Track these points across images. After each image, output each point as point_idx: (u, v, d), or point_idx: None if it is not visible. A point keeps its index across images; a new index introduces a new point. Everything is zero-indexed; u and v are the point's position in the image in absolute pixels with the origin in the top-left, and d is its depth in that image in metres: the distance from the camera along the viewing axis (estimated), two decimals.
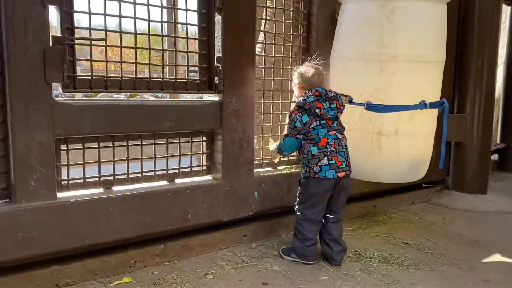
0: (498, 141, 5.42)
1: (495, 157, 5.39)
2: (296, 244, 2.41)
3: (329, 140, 2.29)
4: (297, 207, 2.43)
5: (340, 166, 2.30)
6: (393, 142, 2.67)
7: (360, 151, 2.72)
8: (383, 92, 2.61)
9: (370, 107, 2.63)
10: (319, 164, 2.29)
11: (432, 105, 2.68)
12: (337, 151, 2.31)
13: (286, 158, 2.96)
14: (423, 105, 2.62)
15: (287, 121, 2.46)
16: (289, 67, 2.94)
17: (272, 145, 2.54)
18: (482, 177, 3.90)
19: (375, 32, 2.59)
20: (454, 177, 3.98)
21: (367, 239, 2.86)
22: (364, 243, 2.77)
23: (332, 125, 2.33)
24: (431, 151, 2.91)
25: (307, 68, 2.40)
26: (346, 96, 2.65)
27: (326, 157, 2.28)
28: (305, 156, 2.33)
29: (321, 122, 2.30)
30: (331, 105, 2.30)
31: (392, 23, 2.55)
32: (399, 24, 2.54)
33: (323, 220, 2.41)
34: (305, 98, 2.31)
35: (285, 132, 2.46)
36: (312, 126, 2.29)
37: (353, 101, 2.66)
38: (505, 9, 5.27)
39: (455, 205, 3.68)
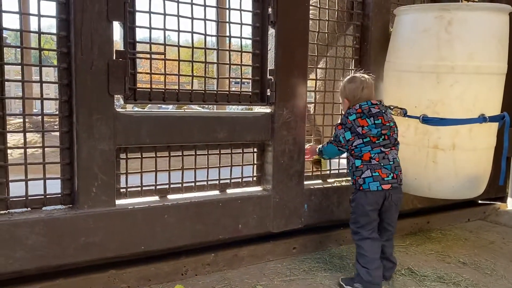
0: None
1: None
2: (360, 270, 2.20)
3: (372, 155, 2.19)
4: (351, 228, 2.29)
5: (385, 179, 2.18)
6: (450, 157, 2.57)
7: (415, 166, 2.64)
8: (440, 105, 2.53)
9: (426, 120, 2.56)
10: (362, 176, 2.20)
11: (492, 119, 2.56)
12: (382, 164, 2.19)
13: (336, 171, 2.93)
14: (482, 118, 2.52)
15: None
16: (341, 79, 2.92)
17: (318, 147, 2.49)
18: None
19: (432, 43, 2.53)
20: None
21: (420, 256, 2.77)
22: (418, 261, 2.68)
23: (377, 142, 2.20)
24: (490, 166, 2.78)
25: (353, 80, 2.28)
26: (400, 108, 2.59)
27: (369, 170, 2.19)
28: (350, 168, 2.26)
29: (364, 140, 2.19)
30: (376, 121, 2.17)
31: (450, 34, 2.48)
32: (457, 35, 2.47)
33: None
34: (347, 115, 2.22)
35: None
36: (354, 144, 2.20)
37: (407, 114, 2.60)
38: None
39: None
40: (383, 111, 2.23)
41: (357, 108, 2.20)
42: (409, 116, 2.59)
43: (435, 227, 3.33)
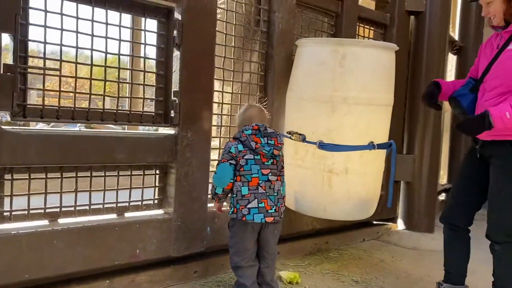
0: (445, 182, 5.68)
1: (443, 196, 5.63)
2: None
3: (260, 182, 2.18)
4: (229, 254, 2.29)
5: (269, 211, 2.18)
6: (343, 180, 2.75)
7: (313, 188, 2.78)
8: (335, 132, 2.71)
9: (322, 146, 2.71)
10: (248, 206, 2.16)
11: (380, 146, 2.79)
12: (268, 194, 2.18)
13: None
14: (371, 146, 2.73)
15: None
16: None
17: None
18: (429, 216, 4.05)
19: (328, 75, 2.71)
20: (403, 216, 4.12)
21: (318, 276, 2.89)
22: (315, 281, 2.79)
23: (266, 163, 2.21)
24: (380, 190, 3.02)
25: (247, 106, 2.38)
26: (299, 134, 2.72)
27: (256, 199, 2.16)
28: (234, 195, 2.20)
29: (255, 157, 2.19)
30: (269, 141, 2.19)
31: (344, 67, 2.68)
32: (350, 69, 2.68)
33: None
34: (242, 130, 2.24)
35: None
36: (245, 157, 2.17)
37: (306, 140, 2.74)
38: (451, 57, 5.64)
39: (403, 243, 3.79)
40: (277, 133, 2.26)
41: (253, 125, 2.22)
42: (308, 142, 2.73)
43: (333, 247, 3.50)
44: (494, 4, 2.25)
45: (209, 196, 2.53)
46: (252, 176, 2.18)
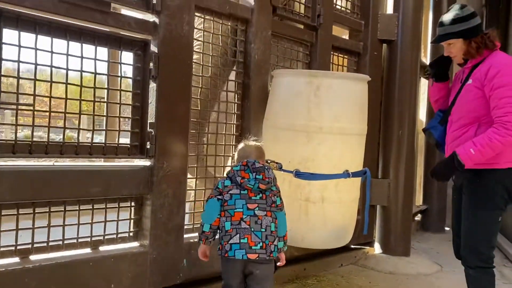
0: (421, 203, 5.78)
1: (419, 217, 5.72)
2: None
3: (244, 216, 2.08)
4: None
5: (253, 247, 2.05)
6: (319, 209, 2.78)
7: (290, 217, 2.74)
8: (310, 161, 2.75)
9: (299, 174, 2.74)
10: (230, 241, 2.06)
11: (355, 174, 2.84)
12: (253, 229, 2.07)
13: None
14: (346, 174, 2.78)
15: None
16: (223, 132, 3.04)
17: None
18: (405, 239, 4.11)
19: (303, 105, 2.77)
20: (380, 240, 4.17)
21: None
22: None
23: (253, 197, 2.13)
24: (356, 217, 3.06)
25: (244, 144, 2.35)
26: (276, 163, 2.75)
27: (238, 235, 2.06)
28: (220, 231, 2.13)
29: (242, 192, 2.13)
30: (257, 176, 2.13)
31: (318, 97, 2.74)
32: (324, 99, 2.74)
33: None
34: (232, 167, 2.25)
35: None
36: (230, 192, 2.12)
37: (283, 168, 2.76)
38: (424, 81, 5.82)
39: (380, 268, 3.83)
40: (267, 167, 2.22)
41: (242, 162, 2.20)
42: (284, 170, 2.75)
43: (311, 274, 3.51)
44: (456, 45, 2.39)
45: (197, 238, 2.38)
46: (235, 210, 2.10)
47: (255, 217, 2.10)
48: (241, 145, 2.38)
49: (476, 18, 2.37)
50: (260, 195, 2.15)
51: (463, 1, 6.15)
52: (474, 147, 2.21)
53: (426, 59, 5.75)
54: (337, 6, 3.77)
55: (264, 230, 2.09)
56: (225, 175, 2.33)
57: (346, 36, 4.24)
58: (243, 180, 2.13)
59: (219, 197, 2.16)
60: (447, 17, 2.42)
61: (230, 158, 3.14)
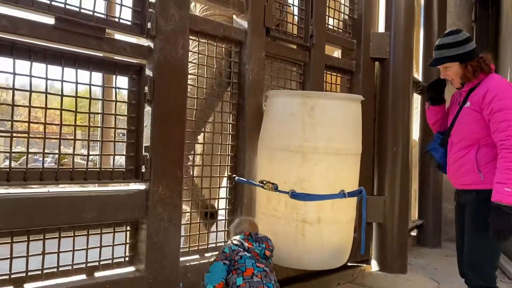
0: (416, 217, 5.79)
1: (415, 232, 5.72)
2: None
3: (255, 271, 2.21)
4: None
5: None
6: (316, 230, 2.77)
7: (286, 239, 2.78)
8: (306, 181, 2.75)
9: (294, 195, 2.74)
10: None
11: (351, 194, 2.84)
12: (264, 282, 2.19)
13: (214, 244, 2.96)
14: (342, 194, 2.78)
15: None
16: (218, 153, 3.04)
17: None
18: (402, 256, 4.10)
19: (298, 126, 2.78)
20: (377, 257, 4.15)
21: None
22: None
23: (260, 260, 2.31)
24: (352, 237, 3.05)
25: (239, 220, 2.59)
26: (272, 183, 2.75)
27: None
28: None
29: (249, 254, 2.30)
30: (261, 245, 2.38)
31: (313, 118, 2.76)
32: (319, 120, 2.75)
33: None
34: (235, 237, 2.42)
35: None
36: (239, 254, 2.28)
37: (278, 189, 2.76)
38: (416, 97, 5.88)
39: (378, 286, 3.81)
40: (268, 238, 2.45)
41: (245, 232, 2.43)
42: (280, 191, 2.76)
43: None
44: (452, 69, 2.42)
45: None
46: (246, 267, 2.23)
47: (265, 272, 2.25)
48: (236, 222, 2.59)
49: (471, 42, 2.43)
50: (265, 262, 2.35)
51: (454, 17, 6.27)
52: (505, 185, 2.17)
53: (418, 74, 5.81)
54: (330, 26, 3.82)
55: (274, 282, 2.26)
56: (229, 242, 2.42)
57: (338, 54, 4.29)
58: (251, 245, 2.34)
59: (226, 261, 2.27)
60: (443, 41, 2.47)
61: (225, 178, 3.15)
